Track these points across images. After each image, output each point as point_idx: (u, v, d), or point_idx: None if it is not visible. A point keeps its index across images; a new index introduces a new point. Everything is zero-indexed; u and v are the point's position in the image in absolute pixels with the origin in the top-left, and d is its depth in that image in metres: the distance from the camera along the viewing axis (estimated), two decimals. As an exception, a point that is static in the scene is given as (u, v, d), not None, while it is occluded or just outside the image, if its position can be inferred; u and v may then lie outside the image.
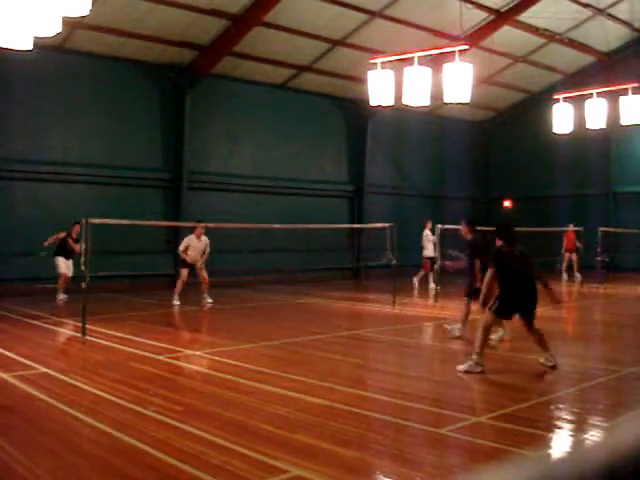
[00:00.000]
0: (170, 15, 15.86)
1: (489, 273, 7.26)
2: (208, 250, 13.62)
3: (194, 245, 13.42)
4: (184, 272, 13.51)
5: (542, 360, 7.11)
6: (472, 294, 9.07)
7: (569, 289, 18.06)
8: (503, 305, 7.13)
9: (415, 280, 17.07)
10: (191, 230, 13.79)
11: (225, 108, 19.13)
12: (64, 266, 13.80)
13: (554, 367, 7.05)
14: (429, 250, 16.64)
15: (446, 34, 18.62)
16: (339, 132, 22.28)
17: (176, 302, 13.45)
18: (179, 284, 13.55)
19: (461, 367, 7.04)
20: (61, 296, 13.71)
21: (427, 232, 16.89)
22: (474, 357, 6.99)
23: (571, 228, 20.07)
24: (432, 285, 16.14)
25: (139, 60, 17.46)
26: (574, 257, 20.05)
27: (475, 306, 8.75)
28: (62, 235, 13.80)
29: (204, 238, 13.53)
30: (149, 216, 15.44)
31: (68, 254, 13.85)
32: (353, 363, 7.76)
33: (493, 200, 26.64)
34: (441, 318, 11.82)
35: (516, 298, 7.16)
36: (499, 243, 7.42)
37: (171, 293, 13.90)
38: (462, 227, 9.74)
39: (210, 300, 13.65)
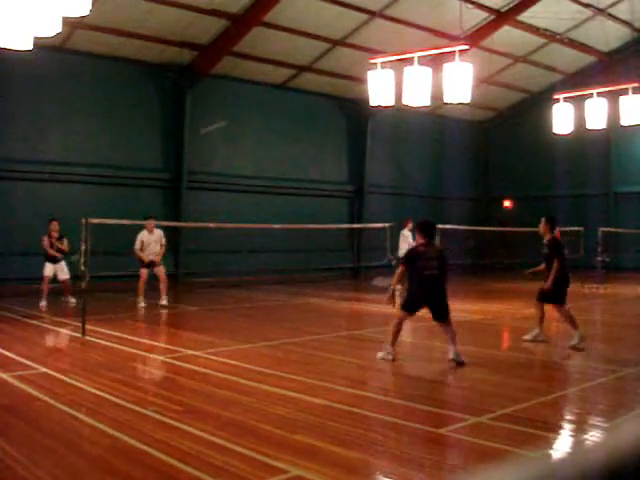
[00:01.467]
0: (170, 15, 15.86)
1: (399, 270, 7.86)
2: (164, 242, 13.17)
3: (147, 240, 12.94)
4: (143, 272, 12.96)
5: (451, 356, 7.43)
6: (545, 297, 8.78)
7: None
8: (409, 300, 7.77)
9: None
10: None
11: (225, 108, 19.14)
12: (48, 270, 12.82)
13: (462, 363, 7.37)
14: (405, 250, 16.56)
15: (446, 34, 18.61)
16: (339, 132, 22.28)
17: (142, 304, 12.72)
18: (140, 285, 12.91)
19: (379, 354, 7.71)
20: (43, 302, 12.59)
21: (407, 232, 16.78)
22: (387, 347, 7.67)
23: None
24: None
25: (139, 60, 17.46)
26: None
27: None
28: (45, 239, 12.85)
29: (157, 231, 13.07)
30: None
31: (54, 257, 12.87)
32: (353, 363, 7.76)
33: (493, 200, 26.64)
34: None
35: (422, 294, 7.61)
36: (419, 241, 7.81)
37: (171, 293, 13.94)
38: (541, 226, 9.12)
39: (165, 302, 12.91)
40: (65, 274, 13.04)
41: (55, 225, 12.97)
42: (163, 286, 13.03)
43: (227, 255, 18.00)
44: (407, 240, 16.65)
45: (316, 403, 5.65)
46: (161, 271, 13.08)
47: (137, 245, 12.93)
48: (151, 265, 13.01)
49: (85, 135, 16.80)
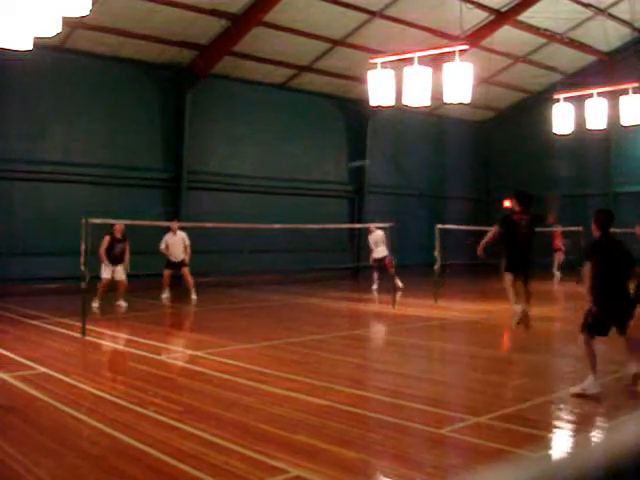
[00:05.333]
0: (170, 15, 15.85)
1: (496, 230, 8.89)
2: (187, 243, 14.06)
3: (171, 241, 14.01)
4: (166, 272, 14.20)
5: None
6: None
7: (565, 288, 18.05)
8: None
9: (397, 283, 16.98)
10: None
11: (225, 108, 19.13)
12: (106, 272, 12.43)
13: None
14: (383, 251, 16.73)
15: (446, 34, 18.61)
16: (339, 132, 22.28)
17: (164, 295, 14.13)
18: (163, 281, 14.26)
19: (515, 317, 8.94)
20: (96, 303, 12.31)
21: (381, 233, 16.94)
22: (516, 308, 8.87)
23: (559, 229, 20.77)
24: (375, 286, 16.79)
25: (139, 60, 17.45)
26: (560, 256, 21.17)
27: None
28: (107, 240, 12.32)
29: (180, 233, 14.04)
30: (149, 216, 15.42)
31: (115, 259, 12.48)
32: (353, 363, 7.76)
33: (493, 200, 26.62)
34: (441, 318, 11.83)
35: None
36: (517, 209, 8.93)
37: (171, 293, 14.02)
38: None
39: (194, 296, 13.99)
40: (122, 275, 12.67)
41: (119, 227, 12.40)
42: (189, 284, 14.01)
43: (227, 255, 18.00)
44: (384, 240, 16.83)
45: (316, 403, 5.65)
46: (185, 272, 14.03)
47: (162, 245, 14.00)
48: (174, 266, 14.02)
49: (85, 135, 16.78)
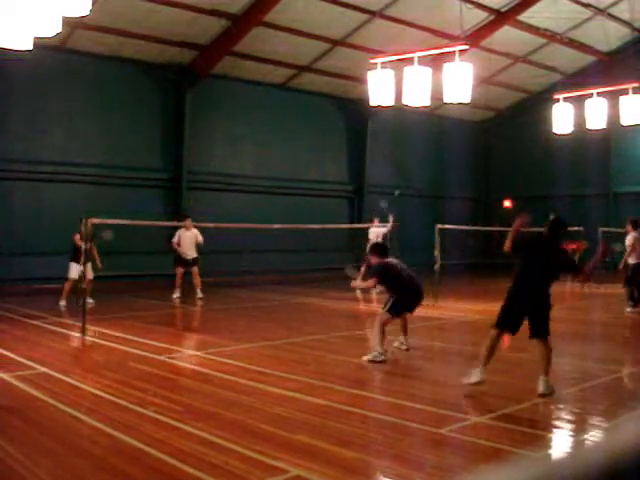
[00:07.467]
0: (170, 15, 15.86)
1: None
2: (200, 240, 14.10)
3: (183, 236, 14.11)
4: (179, 271, 14.30)
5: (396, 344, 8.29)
6: None
7: (568, 289, 18.05)
8: None
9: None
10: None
11: (225, 108, 19.13)
12: (75, 271, 12.36)
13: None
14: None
15: (446, 34, 18.62)
16: (339, 132, 22.28)
17: (175, 295, 14.19)
18: (177, 281, 14.33)
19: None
20: (63, 302, 12.62)
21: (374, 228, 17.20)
22: None
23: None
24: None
25: (139, 60, 17.46)
26: None
27: None
28: (78, 237, 11.95)
29: (193, 230, 14.06)
30: (149, 216, 15.42)
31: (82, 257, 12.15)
32: (353, 363, 7.75)
33: (493, 200, 26.62)
34: (441, 318, 11.83)
35: None
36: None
37: (171, 293, 14.01)
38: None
39: (200, 296, 14.12)
40: (90, 274, 12.47)
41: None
42: (196, 284, 14.22)
43: (227, 255, 17.99)
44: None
45: (316, 403, 5.65)
46: (195, 272, 14.29)
47: (175, 239, 14.23)
48: (186, 263, 14.22)
49: (85, 135, 16.79)
